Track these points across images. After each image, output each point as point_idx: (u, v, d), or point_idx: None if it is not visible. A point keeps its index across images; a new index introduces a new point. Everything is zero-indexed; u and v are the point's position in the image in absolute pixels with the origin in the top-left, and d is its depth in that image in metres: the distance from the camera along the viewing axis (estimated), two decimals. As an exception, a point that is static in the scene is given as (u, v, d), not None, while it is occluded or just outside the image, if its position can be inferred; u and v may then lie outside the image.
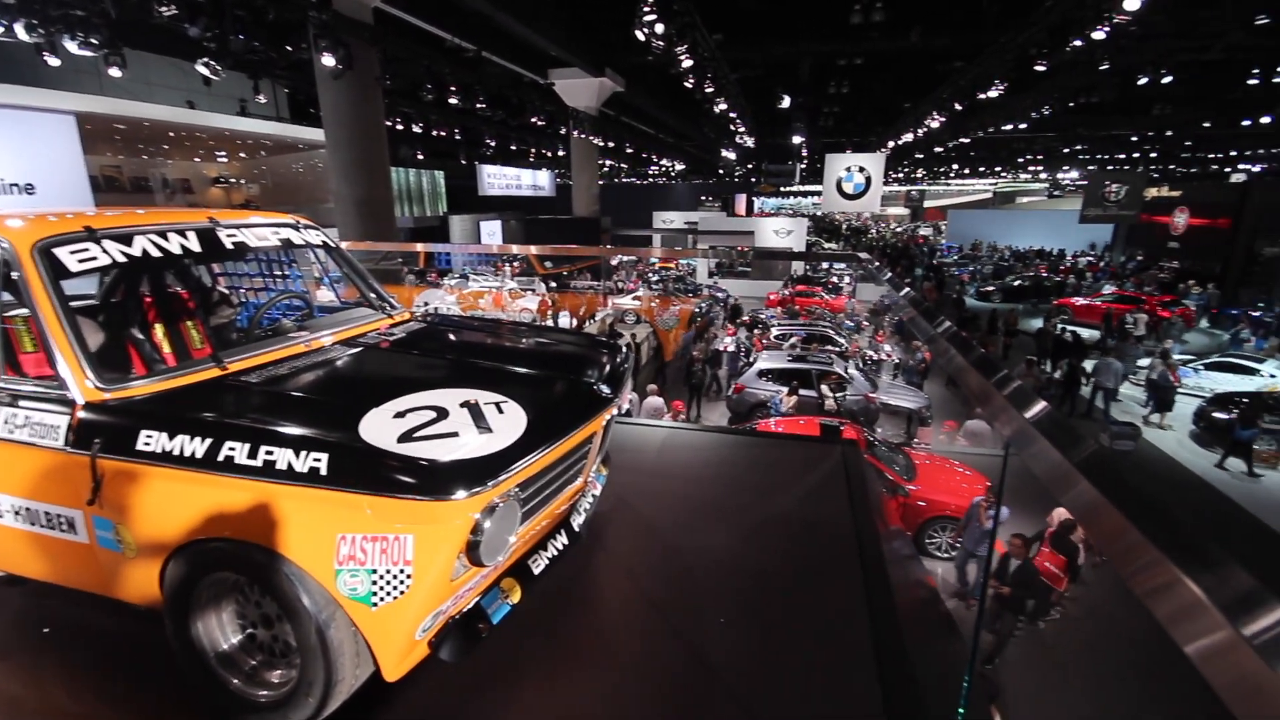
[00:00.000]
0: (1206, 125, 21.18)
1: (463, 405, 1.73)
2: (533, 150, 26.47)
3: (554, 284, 23.75)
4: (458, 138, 21.20)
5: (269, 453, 1.51)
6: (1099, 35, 8.11)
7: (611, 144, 22.57)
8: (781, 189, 50.09)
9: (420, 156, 28.27)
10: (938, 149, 26.99)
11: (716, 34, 11.79)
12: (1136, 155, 29.97)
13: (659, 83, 18.98)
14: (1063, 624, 6.96)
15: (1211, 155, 29.59)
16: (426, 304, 16.03)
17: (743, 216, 33.96)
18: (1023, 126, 19.59)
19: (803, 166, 33.44)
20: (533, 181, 30.50)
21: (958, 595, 6.99)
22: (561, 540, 2.10)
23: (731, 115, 16.18)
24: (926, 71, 16.62)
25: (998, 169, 40.78)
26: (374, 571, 1.48)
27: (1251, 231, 23.82)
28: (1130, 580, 0.63)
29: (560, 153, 25.95)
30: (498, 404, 1.75)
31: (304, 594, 1.50)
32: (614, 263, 31.37)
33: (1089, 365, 14.23)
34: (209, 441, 1.57)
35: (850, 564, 2.30)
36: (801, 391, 11.72)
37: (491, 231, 29.69)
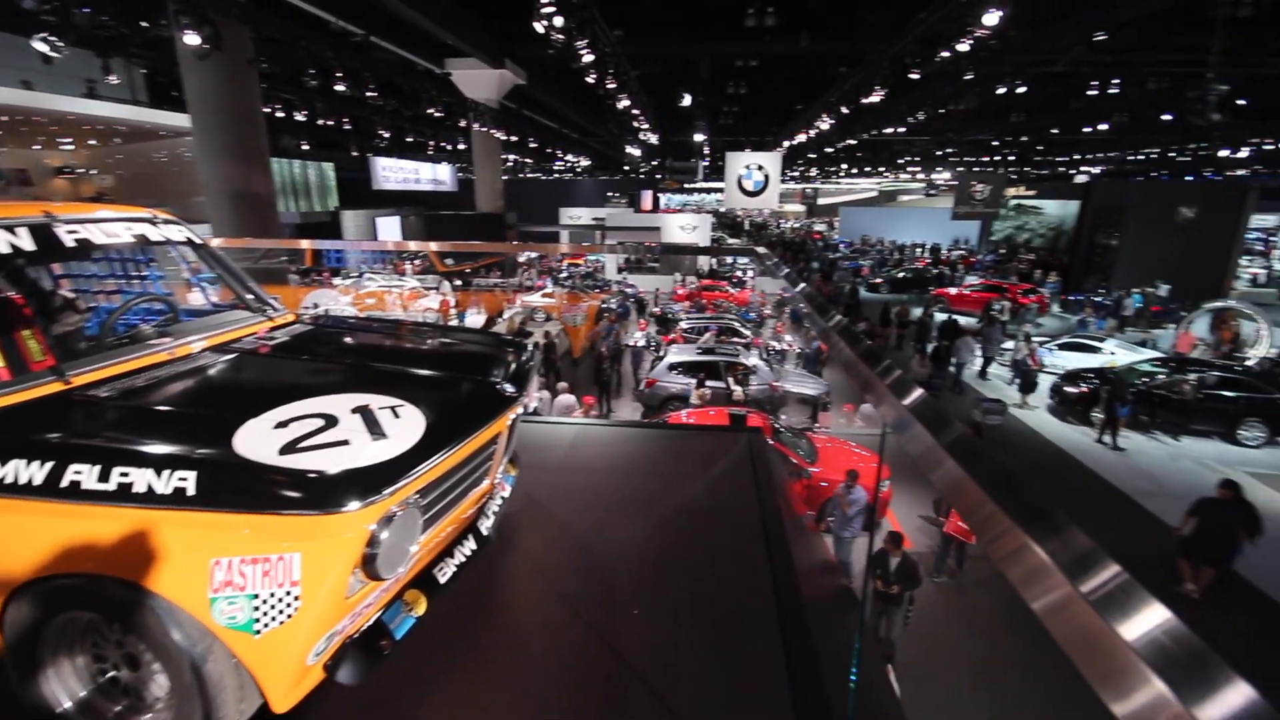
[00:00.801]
0: (1054, 131, 23.79)
1: (354, 411, 1.63)
2: (431, 143, 25.43)
3: (459, 282, 23.00)
4: (347, 127, 19.95)
5: (124, 474, 1.35)
6: (963, 48, 8.89)
7: (515, 138, 22.12)
8: (686, 185, 51.18)
9: (305, 147, 26.34)
10: (828, 149, 28.58)
11: (617, 30, 11.83)
12: (998, 158, 33.17)
13: (562, 77, 18.80)
14: (968, 584, 7.62)
15: (1059, 159, 33.29)
16: (316, 305, 15.01)
17: (649, 212, 34.36)
18: (901, 130, 21.13)
19: (705, 164, 34.34)
20: (433, 176, 29.31)
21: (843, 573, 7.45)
22: (469, 545, 2.04)
23: (634, 112, 16.31)
24: (816, 75, 17.54)
25: (881, 169, 43.77)
26: (255, 596, 1.36)
27: (1092, 227, 27.08)
28: (988, 547, 0.70)
29: (461, 146, 25.10)
30: (393, 408, 1.67)
31: (174, 629, 1.36)
32: (521, 260, 30.83)
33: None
34: (49, 465, 1.38)
35: (756, 547, 2.40)
36: (710, 383, 12.06)
37: (389, 228, 28.26)
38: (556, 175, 49.24)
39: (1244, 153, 23.61)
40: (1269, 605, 7.30)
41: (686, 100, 18.04)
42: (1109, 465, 10.97)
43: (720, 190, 28.79)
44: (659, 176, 43.13)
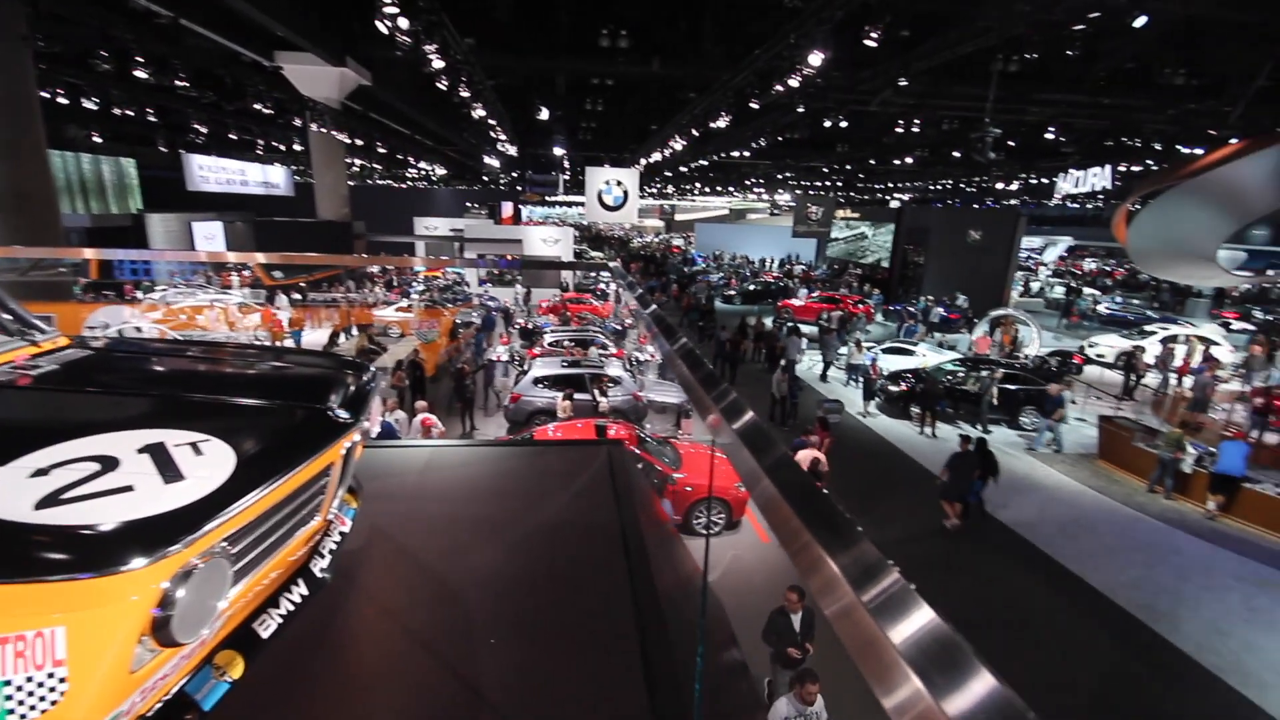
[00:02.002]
0: (872, 162, 26.99)
1: (142, 451, 1.40)
2: (261, 142, 23.02)
3: (297, 296, 20.96)
4: (152, 119, 17.43)
5: None
6: (794, 83, 9.80)
7: (360, 141, 20.69)
8: (547, 198, 51.02)
9: (98, 139, 22.61)
10: (683, 168, 30.03)
11: (468, 38, 11.53)
12: (829, 183, 36.95)
13: (413, 81, 17.93)
14: None
15: (877, 186, 37.81)
16: (107, 326, 12.86)
17: (511, 225, 33.78)
18: (747, 154, 22.79)
19: (566, 177, 34.49)
20: (263, 178, 26.43)
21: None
22: (299, 591, 1.83)
23: (491, 122, 15.98)
24: (668, 99, 18.38)
25: (731, 189, 46.82)
26: (7, 684, 1.11)
27: (905, 245, 31.00)
28: (794, 559, 0.76)
29: (299, 147, 22.97)
30: (194, 444, 1.45)
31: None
32: (373, 272, 28.84)
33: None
34: None
35: (616, 560, 2.41)
36: (577, 395, 12.05)
37: (210, 235, 25.09)
38: (410, 183, 46.75)
39: (1015, 185, 28.43)
40: (1000, 527, 9.71)
41: (544, 114, 18.01)
42: (925, 451, 12.54)
43: (582, 204, 29.08)
44: (520, 188, 42.60)
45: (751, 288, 32.23)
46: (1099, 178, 17.11)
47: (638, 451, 9.33)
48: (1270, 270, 30.68)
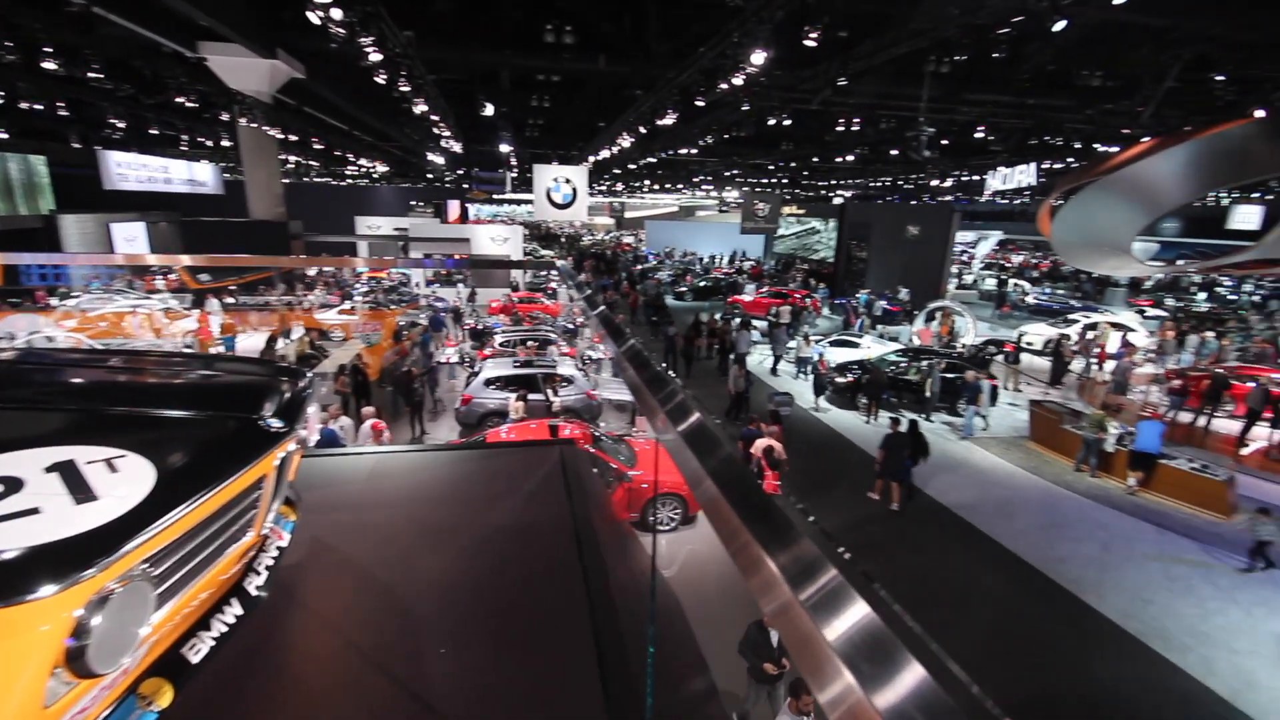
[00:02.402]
0: (815, 160, 27.64)
1: (51, 470, 1.30)
2: (185, 137, 21.78)
3: (230, 300, 19.99)
4: (64, 114, 16.24)
5: None
6: (738, 81, 9.93)
7: (295, 137, 19.83)
8: (494, 196, 50.17)
9: (2, 135, 20.91)
10: (632, 166, 30.03)
11: (408, 30, 11.19)
12: (775, 180, 37.65)
13: (350, 75, 17.29)
14: None
15: (821, 183, 38.76)
16: (13, 336, 11.97)
17: (458, 224, 33.05)
18: (694, 151, 22.97)
19: (513, 175, 33.99)
20: (189, 175, 25.02)
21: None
22: (233, 611, 1.73)
23: (434, 118, 15.58)
24: (616, 96, 18.32)
25: (680, 186, 47.14)
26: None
27: (848, 241, 31.93)
28: (734, 558, 0.77)
29: (228, 143, 21.80)
30: (109, 461, 1.36)
31: None
32: (313, 273, 27.77)
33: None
34: None
35: (570, 561, 2.39)
36: (530, 396, 11.91)
37: (130, 237, 23.62)
38: (350, 181, 45.13)
39: (949, 183, 29.65)
40: (942, 509, 10.23)
41: (489, 110, 17.67)
42: (871, 439, 12.95)
43: (530, 202, 28.74)
44: (466, 186, 41.71)
45: (703, 284, 32.58)
46: (1025, 175, 18.06)
47: (592, 450, 9.30)
48: (1179, 260, 33.02)
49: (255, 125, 16.55)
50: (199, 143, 23.23)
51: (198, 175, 25.42)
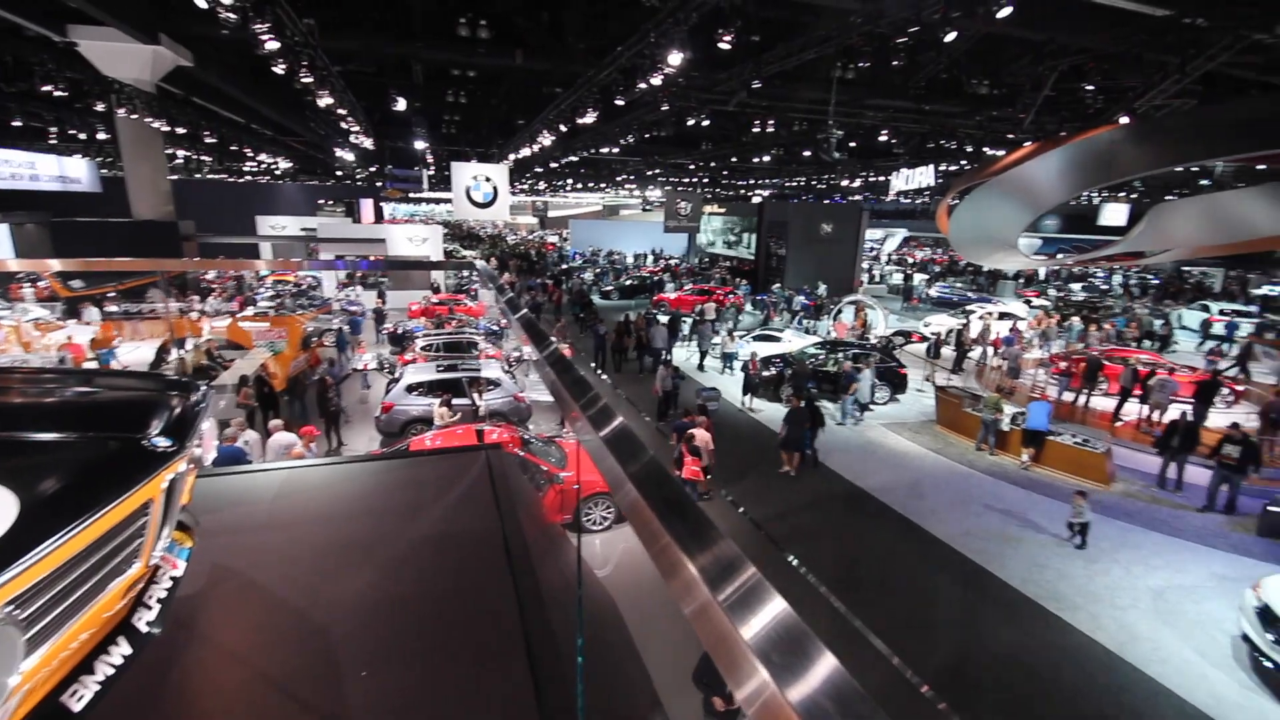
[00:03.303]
0: (733, 160, 28.34)
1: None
2: (54, 130, 19.64)
3: (112, 308, 18.23)
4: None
5: None
6: (656, 81, 10.03)
7: (183, 130, 18.29)
8: (411, 195, 48.29)
9: None
10: (554, 164, 29.70)
11: (308, 18, 10.56)
12: (696, 179, 38.32)
13: (246, 64, 16.13)
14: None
15: (740, 182, 39.80)
16: None
17: (372, 224, 31.58)
18: (616, 150, 23.01)
19: (430, 173, 32.83)
20: (60, 171, 22.53)
21: None
22: (120, 651, 1.57)
23: (341, 111, 14.79)
24: (535, 93, 18.06)
25: (603, 185, 47.12)
26: None
27: (767, 238, 32.98)
28: (655, 561, 0.77)
29: (105, 137, 19.82)
30: (-41, 494, 1.20)
31: None
32: (209, 278, 25.81)
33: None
34: None
35: (498, 568, 2.33)
36: (456, 401, 11.56)
37: (-11, 239, 21.06)
38: (250, 178, 42.12)
39: (857, 183, 31.18)
40: (861, 492, 10.74)
41: (401, 104, 16.97)
42: (795, 432, 13.47)
43: (449, 200, 27.84)
44: (380, 184, 39.85)
45: (629, 283, 32.74)
46: (924, 176, 19.28)
47: (521, 454, 9.15)
48: (1059, 254, 36.31)
49: (136, 117, 15.13)
50: (71, 136, 21.00)
51: (70, 171, 22.93)
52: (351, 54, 14.59)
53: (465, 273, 30.91)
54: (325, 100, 12.99)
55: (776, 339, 19.21)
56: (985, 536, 9.32)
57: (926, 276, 38.74)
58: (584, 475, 9.39)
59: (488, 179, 20.76)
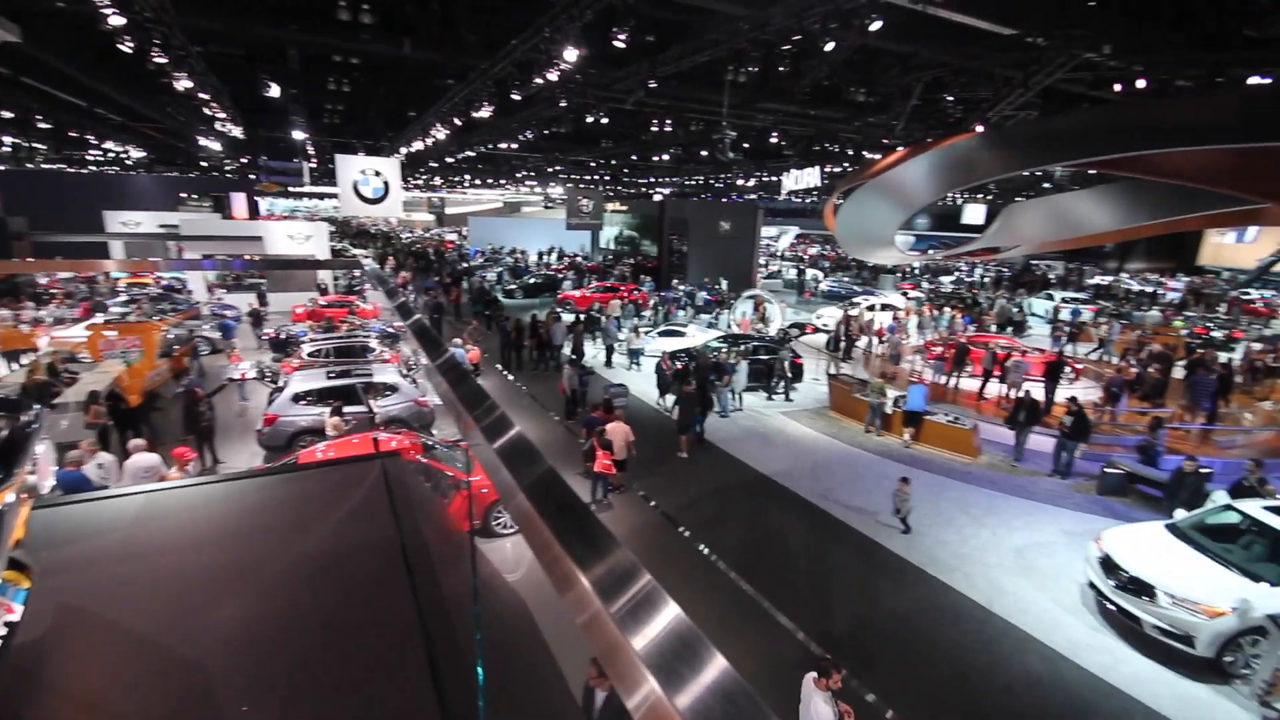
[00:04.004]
0: (634, 158, 28.64)
1: None
2: None
3: (-82, 318, 15.63)
4: None
5: None
6: (553, 76, 9.92)
7: (10, 114, 15.89)
8: (291, 189, 44.80)
9: None
10: (449, 159, 28.62)
11: (161, -7, 9.49)
12: (597, 176, 38.34)
13: (90, 42, 14.22)
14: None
15: (640, 180, 40.28)
16: None
17: (244, 220, 28.95)
18: (514, 146, 22.56)
19: (312, 165, 30.60)
20: None
21: None
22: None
23: (203, 96, 13.44)
24: (427, 84, 17.29)
25: (503, 181, 46.04)
26: None
27: (668, 235, 33.62)
28: (546, 571, 0.77)
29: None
30: None
31: None
32: (45, 281, 22.72)
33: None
34: None
35: (396, 580, 2.23)
36: (347, 409, 10.88)
37: None
38: (97, 169, 37.27)
39: (752, 182, 32.49)
40: (764, 479, 11.08)
41: (274, 91, 15.66)
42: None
43: (335, 196, 26.06)
44: (254, 177, 36.57)
45: (533, 281, 32.24)
46: (811, 177, 20.45)
47: (424, 460, 8.78)
48: (930, 250, 39.71)
49: (-58, 95, 12.95)
50: None
51: None
52: (215, 34, 13.28)
53: (356, 273, 29.16)
54: (184, 84, 11.79)
55: (682, 334, 19.65)
56: (874, 511, 10.05)
57: (819, 272, 41.11)
58: (488, 479, 9.17)
59: (377, 173, 19.64)
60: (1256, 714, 6.17)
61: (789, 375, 16.00)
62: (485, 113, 12.92)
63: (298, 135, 21.91)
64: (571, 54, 9.15)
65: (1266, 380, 16.09)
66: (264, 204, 47.83)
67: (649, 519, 9.70)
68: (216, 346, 17.85)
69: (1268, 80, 10.34)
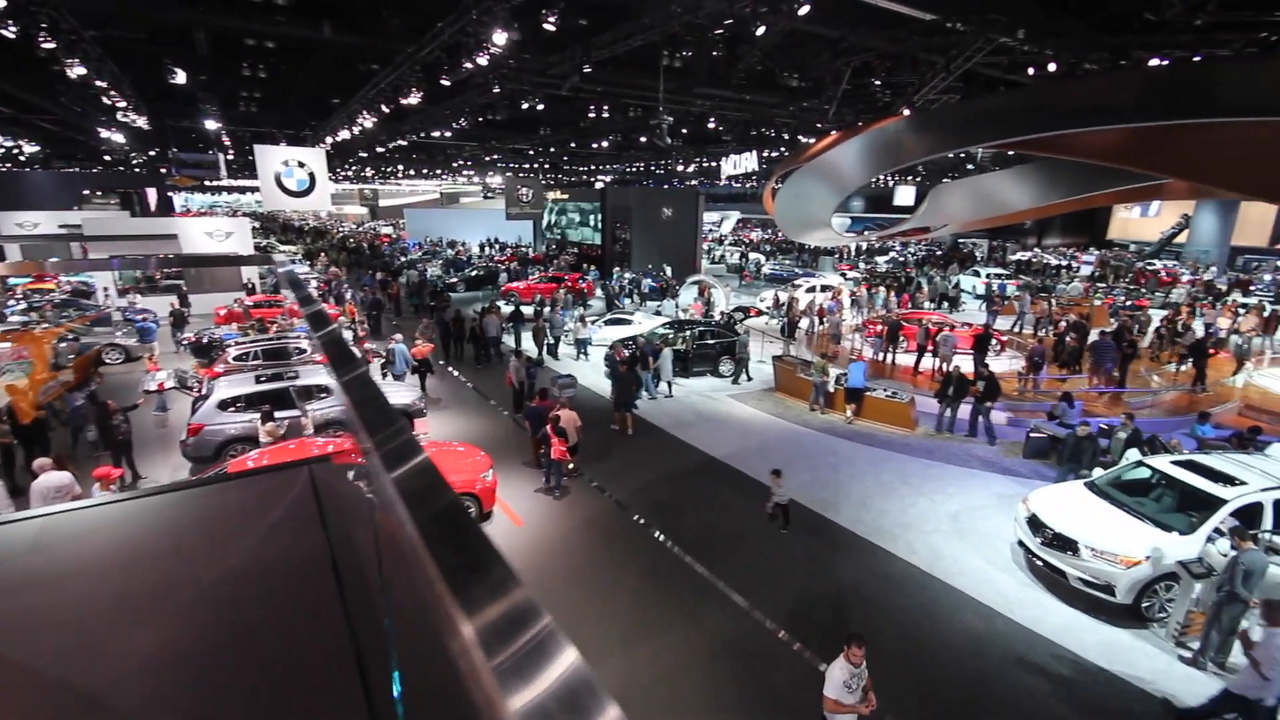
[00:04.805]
0: (573, 145, 28.25)
1: None
2: None
3: None
4: None
5: None
6: (483, 61, 9.61)
7: None
8: (207, 183, 42.15)
9: None
10: (380, 149, 27.50)
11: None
12: (536, 165, 37.66)
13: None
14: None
15: (581, 168, 39.83)
16: None
17: (157, 217, 27.06)
18: (448, 134, 21.85)
19: (230, 158, 28.82)
20: None
21: None
22: None
23: (101, 84, 12.41)
24: (350, 70, 16.50)
25: (439, 171, 44.66)
26: None
27: (612, 223, 33.44)
28: (429, 615, 0.69)
29: None
30: None
31: None
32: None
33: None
34: None
35: (325, 592, 2.10)
36: (279, 414, 10.36)
37: None
38: (-22, 165, 33.95)
39: (692, 168, 32.61)
40: (713, 461, 11.06)
41: (181, 78, 14.59)
42: (649, 410, 13.90)
43: (257, 189, 24.62)
44: (165, 171, 34.11)
45: (474, 273, 31.51)
46: (749, 161, 20.70)
47: (363, 462, 8.47)
48: (866, 231, 40.99)
49: None
50: None
51: None
52: (111, 17, 12.25)
53: (267, 271, 27.79)
54: (77, 70, 10.84)
55: (628, 322, 19.63)
56: (821, 486, 10.35)
57: (761, 256, 41.80)
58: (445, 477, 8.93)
59: (301, 164, 18.69)
60: (1173, 654, 6.71)
61: (748, 357, 16.24)
62: (414, 99, 12.43)
63: (211, 125, 20.55)
64: (501, 37, 8.88)
65: (1172, 345, 17.42)
66: (178, 200, 44.88)
67: (602, 508, 9.69)
68: (132, 354, 16.68)
69: (1166, 62, 11.08)
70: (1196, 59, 11.20)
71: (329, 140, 21.54)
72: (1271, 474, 7.74)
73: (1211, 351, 15.63)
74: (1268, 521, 7.26)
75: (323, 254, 37.43)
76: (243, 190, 51.90)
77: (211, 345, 15.69)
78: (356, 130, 18.22)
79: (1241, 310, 21.39)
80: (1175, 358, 16.64)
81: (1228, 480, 7.64)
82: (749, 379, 16.12)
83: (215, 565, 2.37)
